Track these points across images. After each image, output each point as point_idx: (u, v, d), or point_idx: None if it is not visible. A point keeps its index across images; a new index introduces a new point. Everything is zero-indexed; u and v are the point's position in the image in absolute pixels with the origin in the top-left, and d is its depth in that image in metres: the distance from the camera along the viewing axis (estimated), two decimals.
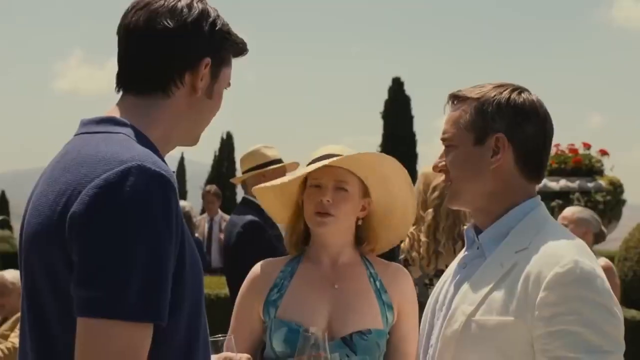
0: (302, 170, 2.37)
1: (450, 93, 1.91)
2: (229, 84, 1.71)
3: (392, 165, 2.39)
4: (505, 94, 1.84)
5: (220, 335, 1.91)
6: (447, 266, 2.17)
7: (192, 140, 1.71)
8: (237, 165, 4.67)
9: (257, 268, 2.44)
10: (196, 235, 8.74)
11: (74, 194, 1.40)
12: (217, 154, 32.32)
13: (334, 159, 2.31)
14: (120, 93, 1.63)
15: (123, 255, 1.34)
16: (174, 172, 1.49)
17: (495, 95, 1.83)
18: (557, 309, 1.63)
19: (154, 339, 1.39)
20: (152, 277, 1.36)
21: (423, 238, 3.87)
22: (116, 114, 1.58)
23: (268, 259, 2.48)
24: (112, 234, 1.34)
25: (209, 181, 24.67)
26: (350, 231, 2.41)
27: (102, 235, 1.35)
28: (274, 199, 2.51)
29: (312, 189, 2.35)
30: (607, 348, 1.62)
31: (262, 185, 2.51)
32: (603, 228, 4.88)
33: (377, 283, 2.38)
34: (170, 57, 1.58)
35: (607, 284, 1.69)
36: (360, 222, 2.43)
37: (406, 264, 3.90)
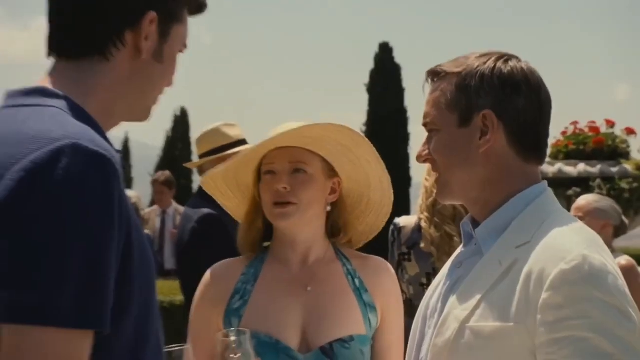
0: (240, 156, 2.33)
1: (429, 69, 1.93)
2: (184, 46, 1.70)
3: (349, 134, 2.34)
4: (490, 64, 1.85)
5: (176, 345, 1.93)
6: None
7: (142, 114, 1.71)
8: (193, 147, 4.62)
9: (211, 272, 2.44)
10: (146, 231, 8.72)
11: None
12: (169, 134, 32.04)
13: (272, 138, 2.29)
14: (52, 59, 1.63)
15: (55, 252, 1.34)
16: (118, 152, 1.50)
17: (478, 67, 1.85)
18: (563, 312, 1.65)
19: (95, 346, 1.40)
20: (91, 277, 1.37)
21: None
22: (47, 83, 1.58)
23: (225, 260, 2.48)
24: (42, 226, 1.34)
25: (160, 167, 24.52)
26: (320, 221, 2.41)
27: (29, 227, 1.34)
28: (230, 193, 2.49)
29: (267, 176, 2.34)
30: (619, 356, 1.63)
31: (209, 174, 2.47)
32: (625, 219, 4.93)
33: (357, 281, 2.39)
34: (105, 11, 1.58)
35: (622, 282, 1.71)
36: (329, 208, 2.42)
37: (407, 257, 3.96)
